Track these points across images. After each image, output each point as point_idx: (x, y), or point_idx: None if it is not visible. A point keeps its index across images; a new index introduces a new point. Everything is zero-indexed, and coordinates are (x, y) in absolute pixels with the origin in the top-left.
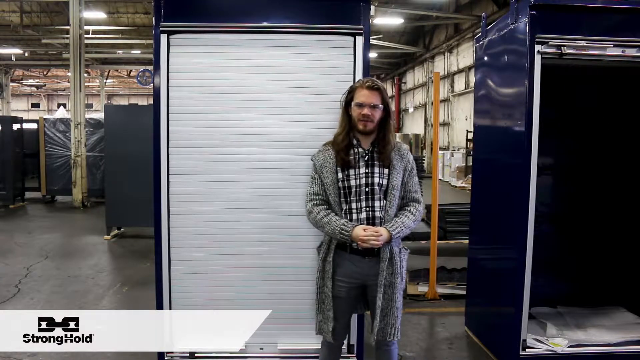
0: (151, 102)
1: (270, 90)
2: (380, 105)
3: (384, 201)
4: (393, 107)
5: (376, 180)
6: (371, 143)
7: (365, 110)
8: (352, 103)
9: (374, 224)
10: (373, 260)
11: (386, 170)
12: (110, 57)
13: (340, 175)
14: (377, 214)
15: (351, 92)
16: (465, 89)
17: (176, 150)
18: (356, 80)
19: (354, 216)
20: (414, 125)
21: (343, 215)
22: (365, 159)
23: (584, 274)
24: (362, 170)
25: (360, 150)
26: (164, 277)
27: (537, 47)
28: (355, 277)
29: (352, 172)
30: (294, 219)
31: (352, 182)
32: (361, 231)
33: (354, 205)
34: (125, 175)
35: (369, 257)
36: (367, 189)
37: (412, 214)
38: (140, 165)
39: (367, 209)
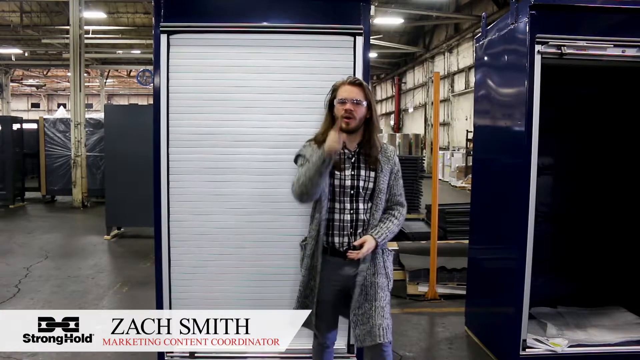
0: (151, 102)
1: (270, 90)
2: (364, 102)
3: (369, 204)
4: (392, 107)
5: (362, 183)
6: (357, 144)
7: (347, 106)
8: (335, 101)
9: (357, 226)
10: (353, 262)
11: (372, 174)
12: (110, 57)
13: None
14: (361, 216)
15: (334, 91)
16: (465, 89)
17: (176, 150)
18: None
19: (337, 216)
20: (414, 125)
21: (325, 212)
22: (352, 160)
23: (584, 274)
24: (348, 172)
25: (347, 151)
26: (164, 277)
27: (537, 47)
28: (337, 279)
29: (337, 172)
30: (294, 219)
31: (337, 182)
32: (331, 138)
33: (337, 205)
34: (125, 175)
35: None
36: (351, 192)
37: (396, 218)
38: (140, 165)
39: (351, 211)
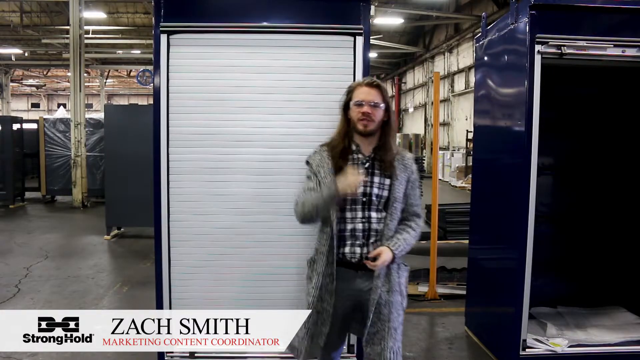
0: (151, 102)
1: (270, 90)
2: (381, 105)
3: (384, 213)
4: (393, 107)
5: (375, 191)
6: (373, 149)
7: (365, 109)
8: (351, 103)
9: (369, 236)
10: (366, 275)
11: (387, 181)
12: (110, 57)
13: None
14: (374, 225)
15: (350, 93)
16: (465, 89)
17: (176, 150)
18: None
19: (348, 226)
20: (414, 125)
21: (334, 224)
22: (366, 166)
23: (584, 274)
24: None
25: (360, 156)
26: (164, 277)
27: (537, 47)
28: (348, 293)
29: None
30: (294, 218)
31: None
32: (351, 175)
33: (348, 215)
34: (125, 175)
35: (362, 270)
36: (364, 199)
37: (413, 230)
38: (140, 165)
39: (363, 219)
